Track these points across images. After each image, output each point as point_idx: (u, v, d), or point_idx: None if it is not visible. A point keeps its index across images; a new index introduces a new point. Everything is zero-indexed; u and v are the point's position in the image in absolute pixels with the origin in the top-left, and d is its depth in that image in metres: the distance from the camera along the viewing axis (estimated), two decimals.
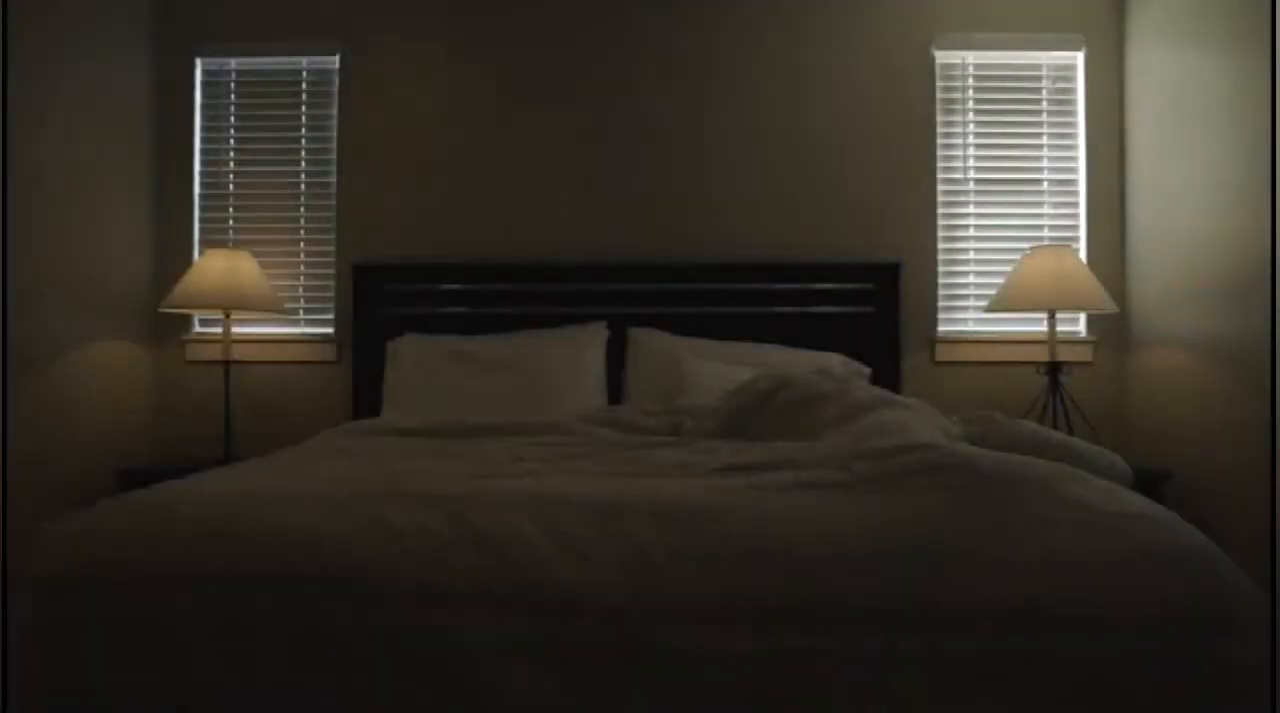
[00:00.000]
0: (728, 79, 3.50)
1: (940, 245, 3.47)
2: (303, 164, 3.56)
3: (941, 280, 3.47)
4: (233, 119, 3.56)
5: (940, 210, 3.48)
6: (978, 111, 3.50)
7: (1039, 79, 3.50)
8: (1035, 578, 1.26)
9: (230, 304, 3.11)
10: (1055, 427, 3.09)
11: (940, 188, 3.48)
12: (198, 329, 3.52)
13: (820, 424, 2.08)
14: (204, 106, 3.56)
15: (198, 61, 3.53)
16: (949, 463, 1.47)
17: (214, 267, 3.13)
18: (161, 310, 3.22)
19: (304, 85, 3.56)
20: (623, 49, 3.51)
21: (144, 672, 1.29)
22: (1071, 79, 3.48)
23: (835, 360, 3.09)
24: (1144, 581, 1.26)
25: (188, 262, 3.46)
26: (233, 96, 3.55)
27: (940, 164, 3.49)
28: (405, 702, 1.25)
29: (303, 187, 3.55)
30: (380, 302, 3.41)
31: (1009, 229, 3.48)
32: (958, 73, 3.50)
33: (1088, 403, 3.31)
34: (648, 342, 3.22)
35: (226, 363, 3.23)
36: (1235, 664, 1.21)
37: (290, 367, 3.49)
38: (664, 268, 3.40)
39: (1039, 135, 3.50)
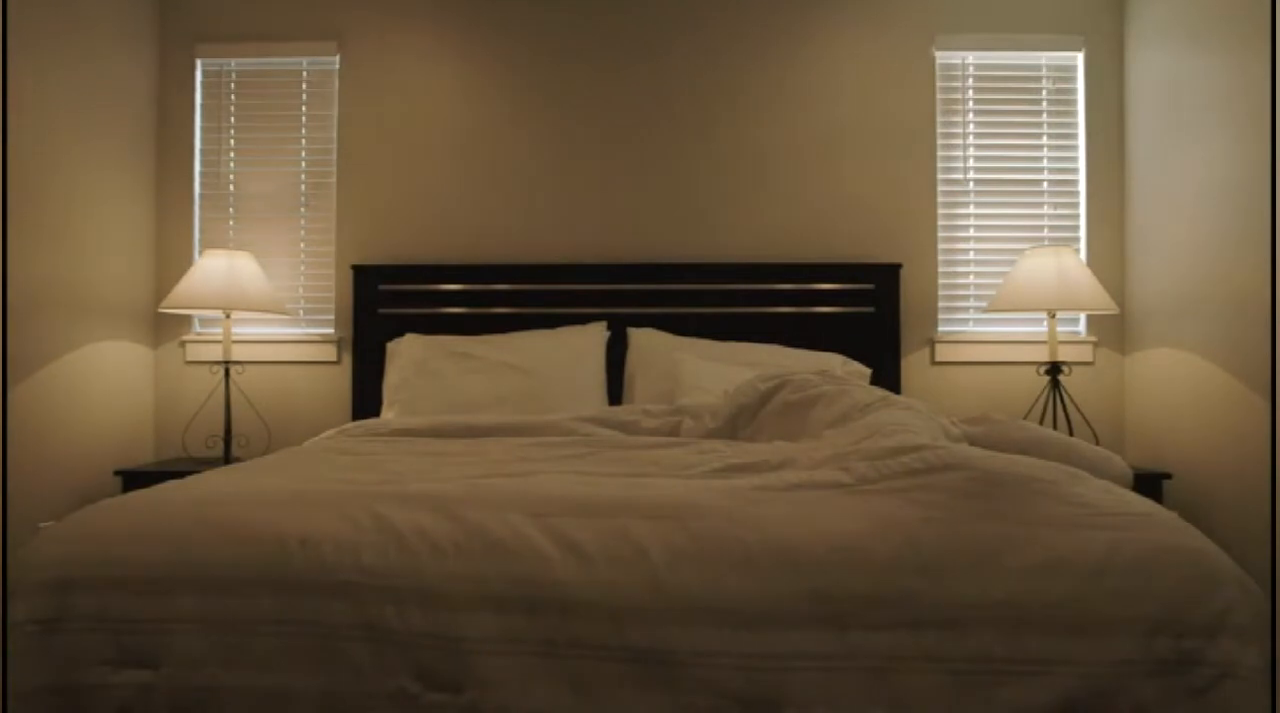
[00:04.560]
0: (728, 79, 3.50)
1: (940, 245, 3.47)
2: (303, 164, 3.56)
3: (941, 280, 3.47)
4: (232, 119, 3.56)
5: (940, 210, 3.48)
6: (978, 112, 3.50)
7: (1039, 79, 3.50)
8: (1035, 578, 1.26)
9: (230, 304, 3.11)
10: (1055, 427, 3.09)
11: (940, 188, 3.48)
12: (198, 329, 3.52)
13: (820, 424, 2.08)
14: (204, 106, 3.56)
15: (198, 61, 3.53)
16: (949, 463, 1.47)
17: (214, 267, 3.13)
18: (161, 311, 3.22)
19: (304, 85, 3.56)
20: (621, 51, 3.51)
21: (144, 672, 1.29)
22: (1071, 79, 3.49)
23: (835, 361, 3.10)
24: (1144, 580, 1.25)
25: (188, 262, 3.46)
26: (233, 96, 3.56)
27: (940, 164, 3.49)
28: (405, 702, 1.25)
29: (303, 187, 3.56)
30: (380, 302, 3.42)
31: (1009, 229, 3.48)
32: (958, 73, 3.51)
33: (1088, 403, 3.32)
34: (647, 342, 3.22)
35: (226, 363, 3.23)
36: (1235, 665, 1.21)
37: (290, 367, 3.50)
38: (664, 268, 3.40)
39: (1039, 135, 3.50)
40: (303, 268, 3.55)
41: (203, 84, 3.56)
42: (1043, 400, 3.18)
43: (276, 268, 3.49)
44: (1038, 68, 3.50)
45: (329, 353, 3.49)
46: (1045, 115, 3.50)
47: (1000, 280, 3.31)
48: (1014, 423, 2.15)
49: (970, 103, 3.50)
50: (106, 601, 1.32)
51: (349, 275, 3.48)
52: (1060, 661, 1.22)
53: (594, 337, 3.23)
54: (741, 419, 2.34)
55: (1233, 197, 2.70)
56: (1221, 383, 2.77)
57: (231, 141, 3.56)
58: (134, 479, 2.97)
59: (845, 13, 3.50)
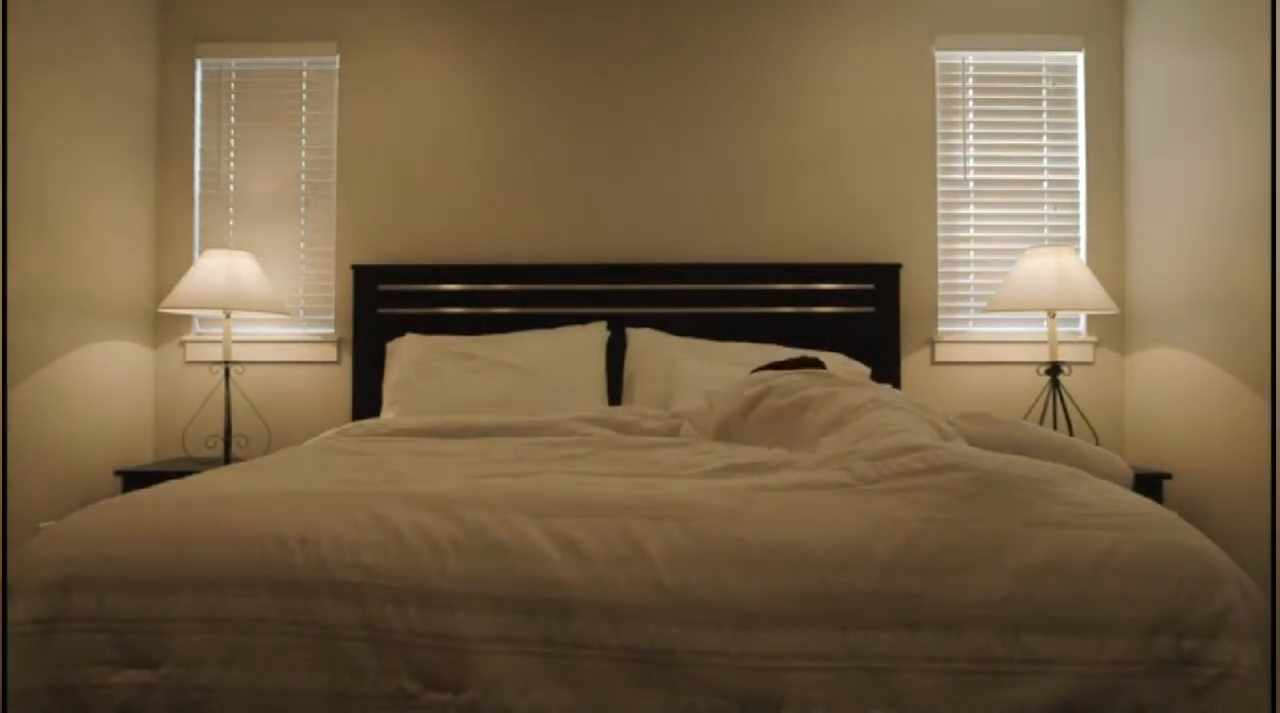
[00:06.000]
0: (728, 80, 3.50)
1: (940, 245, 3.47)
2: (303, 164, 3.56)
3: (941, 280, 3.47)
4: (232, 119, 3.56)
5: (940, 210, 3.48)
6: (978, 112, 3.51)
7: (1039, 79, 3.50)
8: (1035, 578, 1.26)
9: (230, 304, 3.11)
10: (1055, 427, 3.09)
11: (940, 188, 3.48)
12: (198, 329, 3.52)
13: (813, 429, 2.04)
14: (204, 106, 3.56)
15: (198, 62, 3.53)
16: (949, 463, 1.47)
17: (214, 267, 3.14)
18: (161, 311, 3.22)
19: (304, 85, 3.56)
20: (623, 52, 3.51)
21: (144, 672, 1.29)
22: (1071, 79, 3.49)
23: (835, 361, 3.09)
24: (1143, 580, 1.25)
25: (188, 262, 3.46)
26: (233, 96, 3.56)
27: (940, 164, 3.49)
28: (405, 702, 1.25)
29: (303, 187, 3.56)
30: (380, 302, 3.42)
31: (1009, 229, 3.48)
32: (958, 73, 3.51)
33: (1087, 403, 3.32)
34: (646, 342, 3.22)
35: (226, 363, 3.23)
36: (1235, 665, 1.21)
37: (290, 367, 3.50)
38: (665, 268, 3.40)
39: (1039, 135, 3.50)
40: (303, 268, 3.55)
41: (203, 84, 3.56)
42: (1043, 400, 3.18)
43: (276, 268, 3.49)
44: (1038, 68, 3.50)
45: (329, 353, 3.49)
46: (1045, 115, 3.50)
47: (1000, 280, 3.31)
48: (1014, 423, 2.14)
49: (970, 103, 3.50)
50: (106, 601, 1.32)
51: (349, 275, 3.48)
52: (1060, 661, 1.22)
53: (594, 337, 3.23)
54: (730, 427, 2.31)
55: (1233, 196, 2.70)
56: (1221, 383, 2.77)
57: (231, 141, 3.56)
58: (134, 479, 2.97)
59: (846, 13, 3.50)
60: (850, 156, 3.48)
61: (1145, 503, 1.45)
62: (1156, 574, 1.26)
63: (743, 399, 2.27)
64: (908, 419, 1.89)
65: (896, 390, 2.34)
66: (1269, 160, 2.48)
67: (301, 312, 3.54)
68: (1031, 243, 3.44)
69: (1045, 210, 3.48)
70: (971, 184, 3.50)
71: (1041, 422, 3.11)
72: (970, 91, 3.51)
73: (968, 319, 3.48)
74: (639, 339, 3.24)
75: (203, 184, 3.55)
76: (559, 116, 3.51)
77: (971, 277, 3.49)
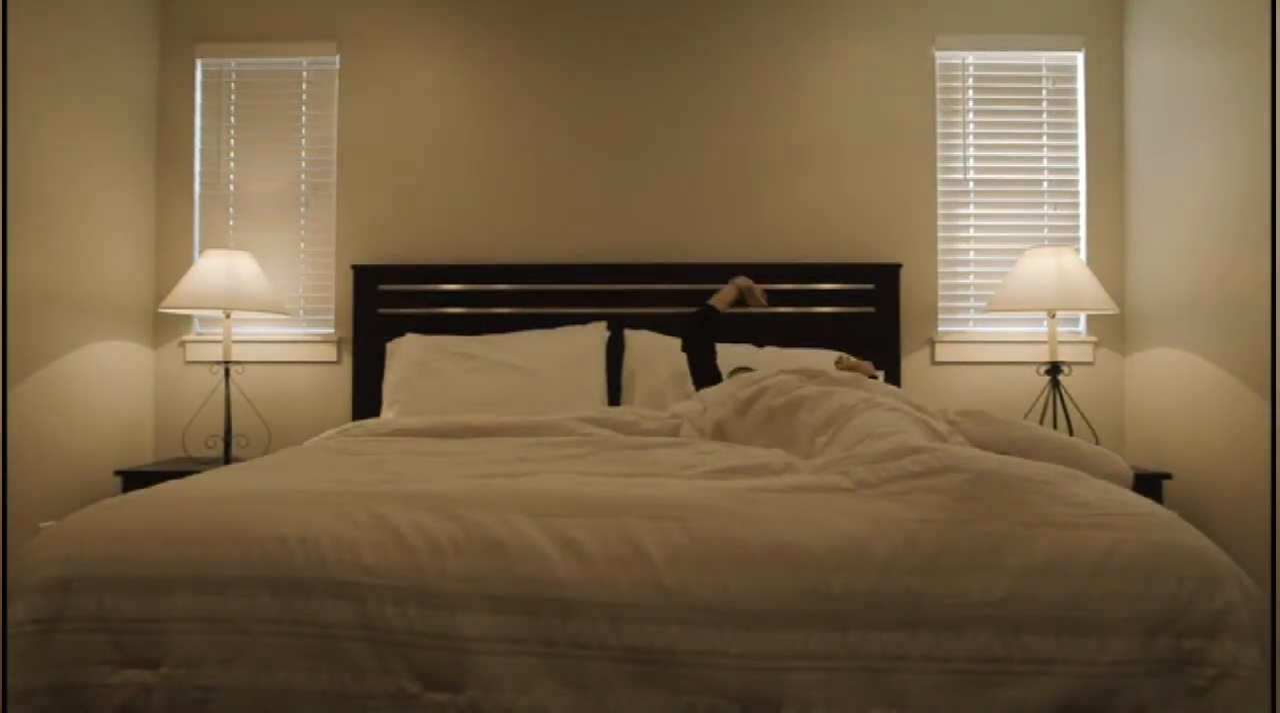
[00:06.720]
0: (728, 80, 3.50)
1: (940, 245, 3.47)
2: (303, 164, 3.56)
3: (941, 280, 3.47)
4: (233, 119, 3.56)
5: (940, 210, 3.48)
6: (978, 112, 3.51)
7: (1039, 79, 3.50)
8: (1034, 578, 1.26)
9: (230, 304, 3.11)
10: (1055, 427, 3.09)
11: (940, 188, 3.48)
12: (198, 329, 3.52)
13: (808, 429, 2.04)
14: (204, 106, 3.56)
15: (198, 62, 3.53)
16: (947, 465, 1.47)
17: (214, 267, 3.14)
18: (161, 311, 3.22)
19: (304, 85, 3.57)
20: (620, 51, 3.51)
21: (144, 672, 1.29)
22: (1071, 79, 3.49)
23: (834, 359, 3.09)
24: (1142, 580, 1.25)
25: (188, 262, 3.46)
26: (233, 96, 3.56)
27: (940, 164, 3.49)
28: (405, 702, 1.25)
29: (303, 187, 3.56)
30: (380, 302, 3.42)
31: (1009, 229, 3.48)
32: (958, 73, 3.51)
33: (1088, 403, 3.32)
34: (646, 343, 3.22)
35: (226, 363, 3.23)
36: (1235, 665, 1.21)
37: (290, 367, 3.50)
38: (665, 268, 3.40)
39: (1039, 135, 3.50)
40: (303, 268, 3.55)
41: (203, 84, 3.56)
42: (1043, 400, 3.18)
43: (276, 268, 3.49)
44: (1038, 68, 3.50)
45: (329, 353, 3.49)
46: (1045, 115, 3.50)
47: (1000, 280, 3.31)
48: (1013, 422, 2.14)
49: (970, 103, 3.50)
50: (106, 601, 1.32)
51: (349, 275, 3.48)
52: (1060, 661, 1.22)
53: (594, 337, 3.23)
54: (726, 427, 2.31)
55: (1233, 196, 2.70)
56: (1221, 383, 2.77)
57: (231, 141, 3.56)
58: (134, 479, 2.97)
59: (846, 13, 3.50)
60: (850, 156, 3.48)
61: (1145, 503, 1.45)
62: (1156, 574, 1.26)
63: (736, 401, 2.28)
64: (902, 420, 1.89)
65: (890, 386, 2.34)
66: (1269, 160, 2.48)
67: (301, 312, 3.54)
68: (1031, 243, 3.44)
69: (1045, 210, 3.48)
70: (971, 184, 3.50)
71: (1041, 422, 3.11)
72: (970, 91, 3.51)
73: (968, 319, 3.48)
74: (638, 340, 3.24)
75: (203, 184, 3.55)
76: (559, 116, 3.51)
77: (971, 277, 3.49)
